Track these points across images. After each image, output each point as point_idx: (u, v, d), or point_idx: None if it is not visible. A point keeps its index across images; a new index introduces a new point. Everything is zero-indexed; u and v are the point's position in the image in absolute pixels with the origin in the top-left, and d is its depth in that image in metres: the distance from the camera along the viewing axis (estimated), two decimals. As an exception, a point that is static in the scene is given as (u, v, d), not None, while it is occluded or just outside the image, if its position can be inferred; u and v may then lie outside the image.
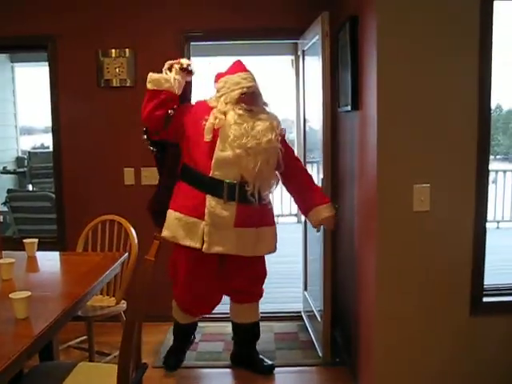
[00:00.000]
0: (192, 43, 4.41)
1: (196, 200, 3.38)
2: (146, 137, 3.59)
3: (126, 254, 3.35)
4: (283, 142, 3.49)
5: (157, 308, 4.33)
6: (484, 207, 2.88)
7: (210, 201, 3.33)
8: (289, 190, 3.72)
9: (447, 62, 2.74)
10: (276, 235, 3.60)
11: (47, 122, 4.58)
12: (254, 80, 3.42)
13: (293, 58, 4.46)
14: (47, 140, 4.77)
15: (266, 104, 3.50)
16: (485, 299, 2.94)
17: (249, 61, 3.58)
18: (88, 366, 2.55)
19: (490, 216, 8.10)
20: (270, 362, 3.76)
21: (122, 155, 4.44)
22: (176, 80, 3.38)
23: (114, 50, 4.37)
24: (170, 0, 4.33)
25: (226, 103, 3.35)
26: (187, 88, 3.62)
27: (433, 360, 2.94)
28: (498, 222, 8.87)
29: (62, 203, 4.55)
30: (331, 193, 3.73)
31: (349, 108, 3.37)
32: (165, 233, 3.46)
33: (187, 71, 3.45)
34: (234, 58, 3.57)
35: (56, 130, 4.48)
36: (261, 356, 3.81)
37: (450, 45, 2.74)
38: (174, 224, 3.44)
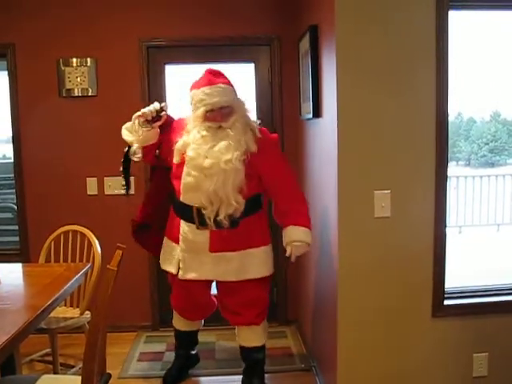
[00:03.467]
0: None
1: (173, 224, 3.33)
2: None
3: (89, 264, 3.32)
4: (270, 148, 3.20)
5: (122, 318, 4.35)
6: (443, 212, 2.93)
7: (183, 226, 3.24)
8: (274, 207, 3.33)
9: (405, 71, 2.80)
10: (268, 256, 3.34)
11: (9, 132, 4.51)
12: (221, 94, 3.06)
13: (253, 65, 4.48)
14: (9, 150, 4.70)
15: (246, 114, 3.19)
16: (446, 302, 3.00)
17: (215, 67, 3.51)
18: (51, 379, 2.51)
19: (452, 221, 8.25)
20: None
21: (84, 165, 4.40)
22: (141, 136, 3.19)
23: (75, 59, 4.33)
24: (131, 8, 4.31)
25: (194, 121, 3.13)
26: (167, 118, 3.29)
27: (396, 362, 2.98)
28: (460, 226, 9.00)
29: (25, 214, 4.49)
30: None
31: (310, 116, 3.41)
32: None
33: (157, 117, 3.18)
34: (201, 66, 3.38)
35: (17, 140, 4.42)
36: None
37: (407, 54, 2.79)
38: (163, 247, 3.45)
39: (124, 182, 3.44)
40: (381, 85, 2.79)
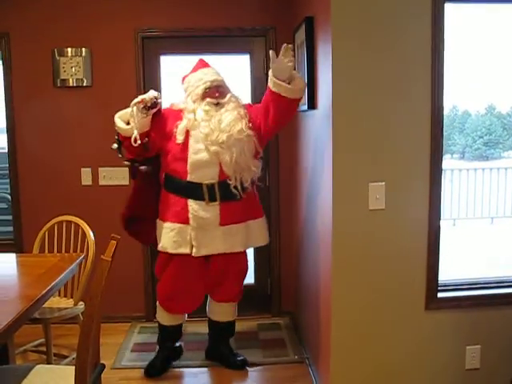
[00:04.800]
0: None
1: (179, 206, 3.40)
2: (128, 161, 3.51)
3: (83, 254, 3.31)
4: (251, 109, 3.49)
5: (116, 309, 4.35)
6: (438, 205, 2.93)
7: (192, 205, 3.36)
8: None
9: (401, 62, 2.79)
10: (265, 226, 3.68)
11: (3, 121, 4.49)
12: (216, 74, 3.45)
13: (248, 56, 4.47)
14: (3, 140, 4.70)
15: (234, 96, 3.47)
16: (439, 294, 3.01)
17: (210, 59, 3.62)
18: (45, 369, 2.51)
19: (446, 214, 8.28)
20: (242, 357, 3.78)
21: (78, 155, 4.40)
22: (138, 123, 3.23)
23: (70, 49, 4.31)
24: (127, -1, 4.31)
25: (194, 101, 3.38)
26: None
27: (389, 354, 2.99)
28: (454, 219, 9.02)
29: (19, 204, 4.48)
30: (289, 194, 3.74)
31: (305, 107, 3.40)
32: (159, 246, 3.51)
33: (154, 104, 3.26)
34: (196, 57, 3.64)
35: (11, 129, 4.40)
36: (234, 351, 3.82)
37: (403, 46, 2.78)
38: (164, 234, 3.46)
39: (118, 150, 3.43)
40: (376, 77, 2.78)
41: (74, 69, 4.34)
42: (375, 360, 2.99)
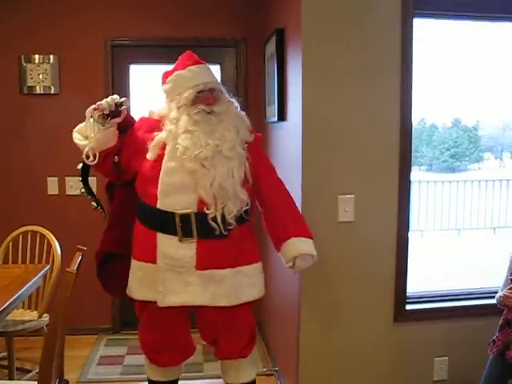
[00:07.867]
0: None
1: (146, 240, 2.62)
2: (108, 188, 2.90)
3: (48, 266, 3.26)
4: (258, 147, 2.74)
5: (82, 321, 4.28)
6: (406, 217, 2.96)
7: (161, 240, 2.56)
8: (263, 214, 2.78)
9: (370, 76, 2.82)
10: (261, 275, 2.73)
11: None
12: (209, 73, 2.69)
13: (219, 67, 4.46)
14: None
15: (232, 102, 2.70)
16: (407, 306, 3.02)
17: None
18: (6, 384, 2.47)
19: (414, 225, 8.37)
20: None
21: (45, 164, 4.32)
22: (97, 135, 2.55)
23: (37, 56, 4.26)
24: (96, 6, 4.26)
25: (179, 107, 2.57)
26: (127, 116, 2.67)
27: (358, 367, 3.00)
28: (422, 231, 9.12)
29: (-18, 214, 4.39)
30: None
31: (275, 119, 3.41)
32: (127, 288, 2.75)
33: (116, 113, 2.55)
34: (165, 66, 2.83)
35: (-25, 137, 4.33)
36: None
37: (373, 60, 2.81)
38: (131, 274, 2.70)
39: (95, 203, 2.80)
40: (346, 89, 2.81)
41: (41, 76, 4.28)
42: (344, 372, 2.99)
